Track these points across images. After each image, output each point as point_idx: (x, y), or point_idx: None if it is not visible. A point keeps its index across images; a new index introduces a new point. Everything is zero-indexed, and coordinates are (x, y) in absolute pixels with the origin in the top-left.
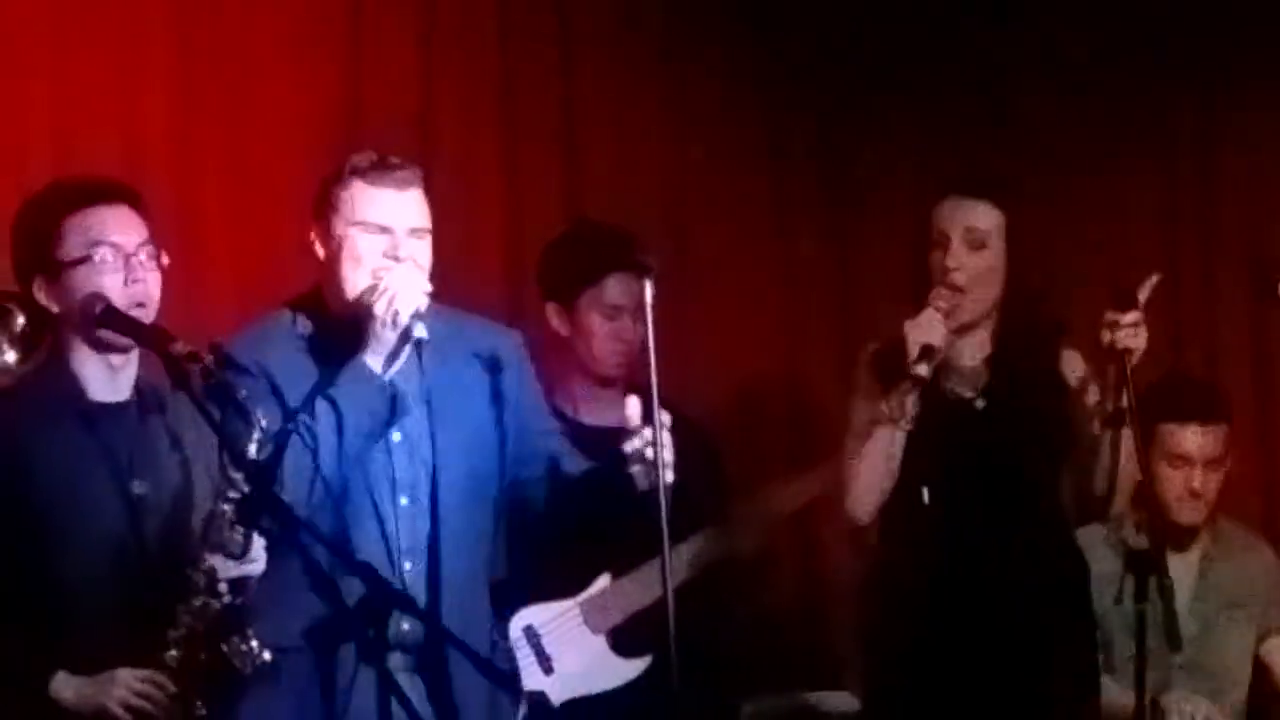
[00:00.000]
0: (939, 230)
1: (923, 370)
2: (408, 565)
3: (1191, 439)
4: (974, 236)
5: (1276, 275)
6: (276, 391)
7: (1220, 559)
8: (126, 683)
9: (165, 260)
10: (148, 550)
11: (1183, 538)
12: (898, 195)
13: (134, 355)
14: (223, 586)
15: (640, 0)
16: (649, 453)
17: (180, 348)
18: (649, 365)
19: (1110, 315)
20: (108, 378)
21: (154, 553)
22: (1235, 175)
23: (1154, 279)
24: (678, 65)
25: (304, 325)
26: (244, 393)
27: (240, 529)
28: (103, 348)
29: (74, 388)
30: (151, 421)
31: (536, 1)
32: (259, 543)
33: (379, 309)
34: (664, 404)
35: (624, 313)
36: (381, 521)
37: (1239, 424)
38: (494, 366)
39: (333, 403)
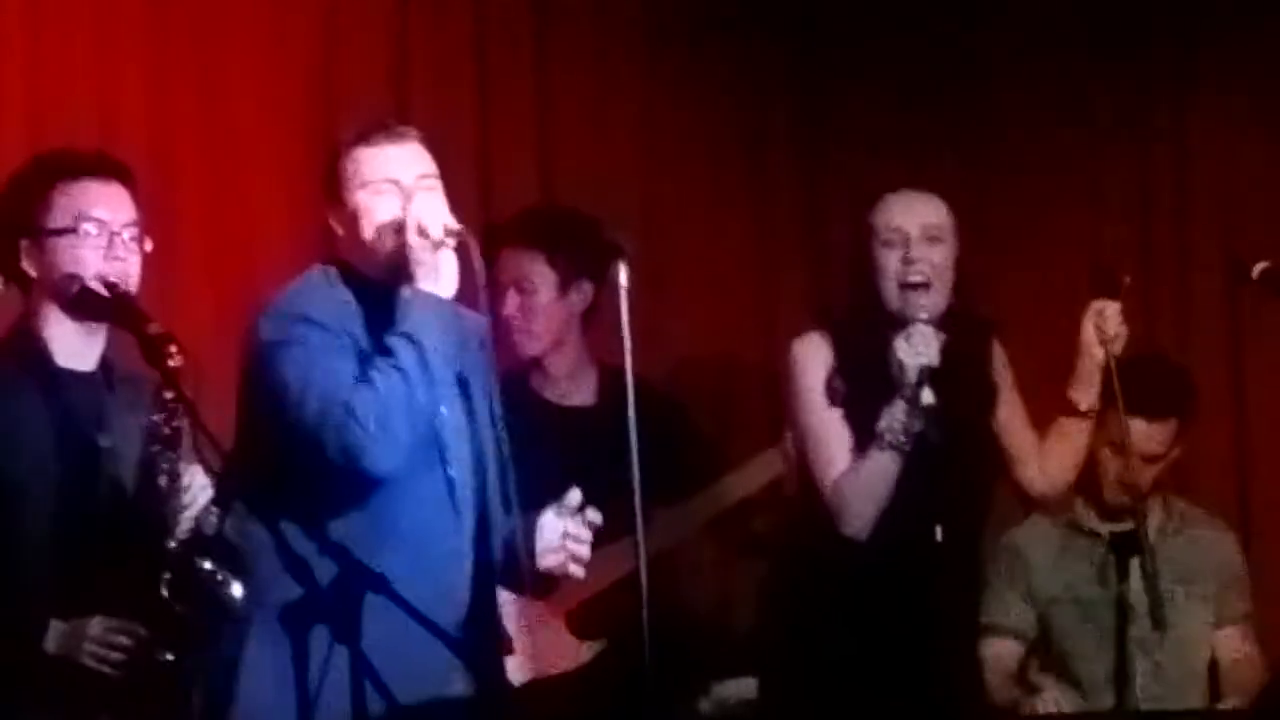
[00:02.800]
0: (891, 227)
1: (928, 397)
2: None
3: (1135, 431)
4: (931, 232)
5: (1251, 261)
6: (353, 340)
7: (1171, 535)
8: (96, 635)
9: (149, 245)
10: (120, 498)
11: (1117, 514)
12: (873, 178)
13: (103, 329)
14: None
15: None
16: (571, 547)
17: (154, 329)
18: (624, 346)
19: (1096, 304)
20: (76, 347)
21: (126, 500)
22: (1209, 161)
23: (1128, 280)
24: (653, 46)
25: (339, 283)
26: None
27: (215, 508)
28: (79, 316)
29: (41, 354)
30: (117, 389)
31: None
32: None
33: (410, 236)
34: (637, 381)
35: (507, 288)
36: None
37: (1213, 410)
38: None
39: (408, 337)
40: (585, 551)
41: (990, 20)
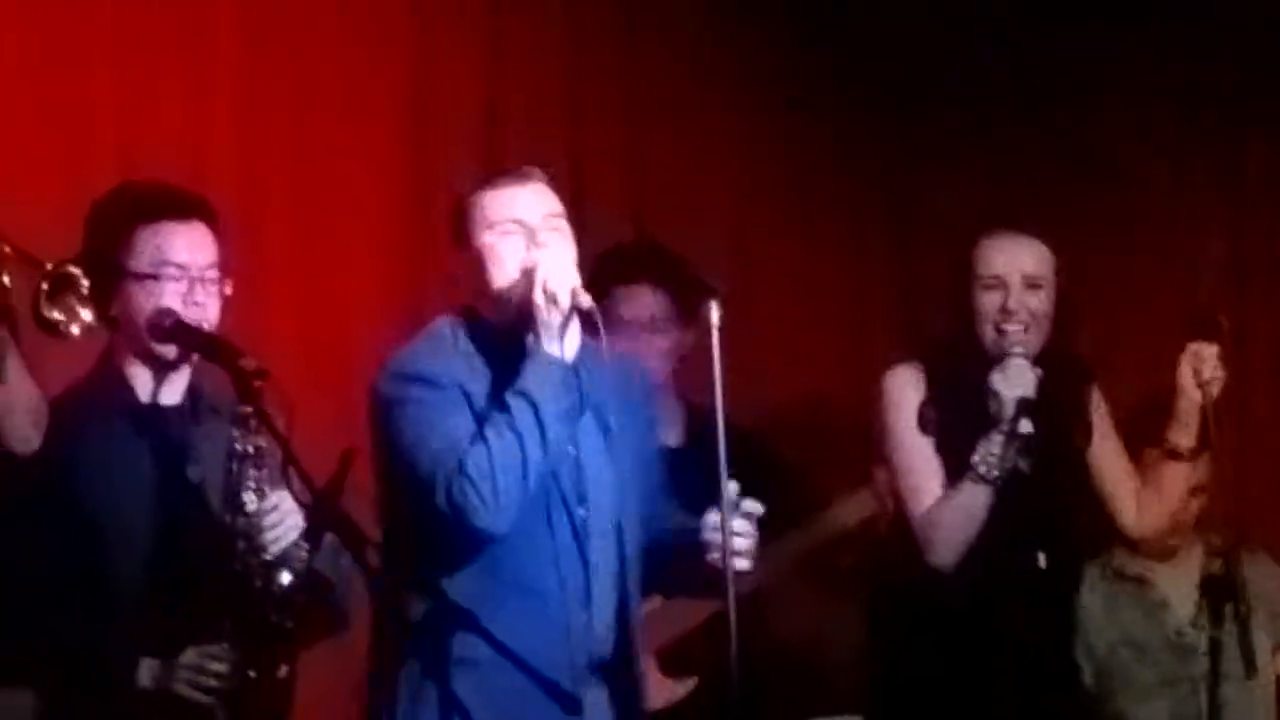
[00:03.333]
0: (992, 274)
1: (1026, 427)
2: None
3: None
4: (1032, 280)
5: None
6: (467, 397)
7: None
8: (191, 663)
9: (229, 288)
10: (210, 529)
11: (1171, 553)
12: (966, 216)
13: (187, 366)
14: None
15: (709, 19)
16: (735, 543)
17: (248, 363)
18: (715, 384)
19: (1194, 346)
20: (161, 383)
21: (215, 529)
22: (1265, 174)
23: (1225, 323)
24: (746, 83)
25: (464, 338)
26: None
27: (305, 545)
28: (155, 362)
29: (127, 391)
30: (205, 421)
31: (603, 16)
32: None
33: (536, 294)
34: (726, 421)
35: (635, 327)
36: (554, 529)
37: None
38: (648, 402)
39: (525, 396)
40: (746, 544)
41: (1088, 60)
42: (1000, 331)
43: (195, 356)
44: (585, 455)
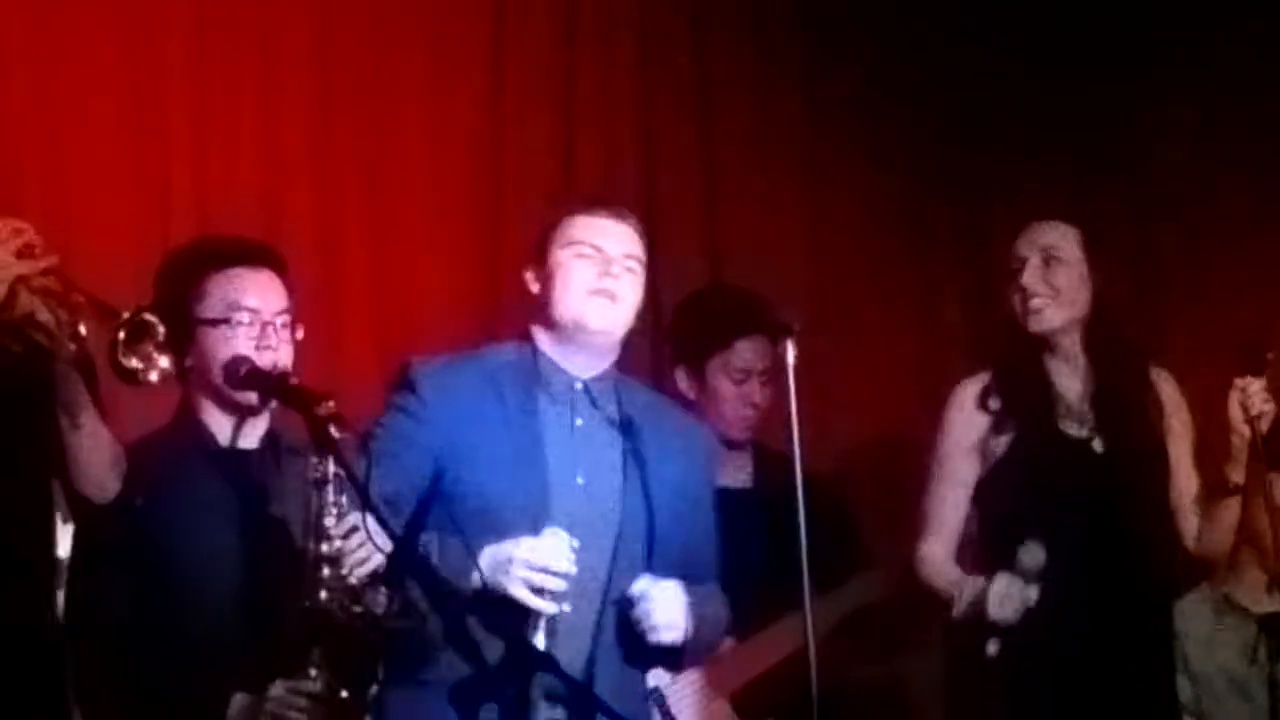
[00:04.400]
0: (1018, 255)
1: (993, 649)
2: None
3: None
4: (1050, 252)
5: None
6: (439, 424)
7: None
8: (279, 696)
9: (300, 333)
10: (295, 563)
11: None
12: None
13: (265, 410)
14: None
15: (781, 61)
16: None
17: (325, 409)
18: (790, 425)
19: (1240, 381)
20: (238, 428)
21: (299, 565)
22: None
23: (1272, 356)
24: (818, 125)
25: (509, 353)
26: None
27: (384, 589)
28: (232, 408)
29: (205, 436)
30: (285, 463)
31: (677, 57)
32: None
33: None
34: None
35: (752, 377)
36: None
37: None
38: (697, 485)
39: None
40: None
41: (1160, 102)
42: (1025, 307)
43: (273, 403)
44: (592, 488)
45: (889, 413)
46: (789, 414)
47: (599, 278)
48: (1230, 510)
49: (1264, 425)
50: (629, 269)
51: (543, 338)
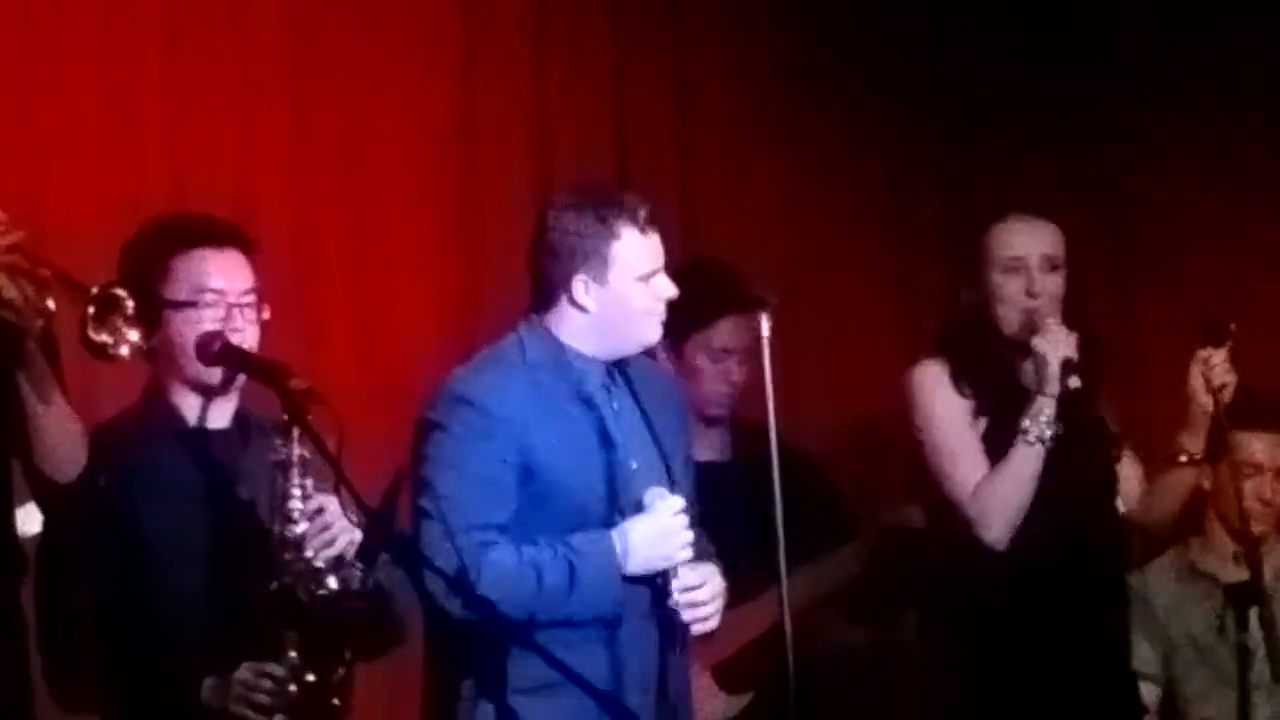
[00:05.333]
0: (1013, 255)
1: (1076, 382)
2: None
3: (1262, 447)
4: (1051, 260)
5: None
6: (511, 429)
7: None
8: (244, 679)
9: (266, 314)
10: (262, 545)
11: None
12: None
13: (232, 391)
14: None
15: (757, 45)
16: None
17: (298, 384)
18: (765, 399)
19: (1202, 353)
20: (206, 408)
21: (266, 548)
22: None
23: (1234, 328)
24: (794, 101)
25: (534, 348)
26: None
27: (359, 565)
28: (200, 388)
29: (173, 417)
30: (253, 443)
31: (651, 37)
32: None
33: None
34: (779, 438)
35: (732, 355)
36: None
37: None
38: (685, 430)
39: (570, 560)
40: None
41: (1139, 76)
42: (1025, 312)
43: (240, 381)
44: (642, 469)
45: (867, 385)
46: (765, 387)
47: (656, 301)
48: (1180, 480)
49: (1226, 396)
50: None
51: (566, 329)
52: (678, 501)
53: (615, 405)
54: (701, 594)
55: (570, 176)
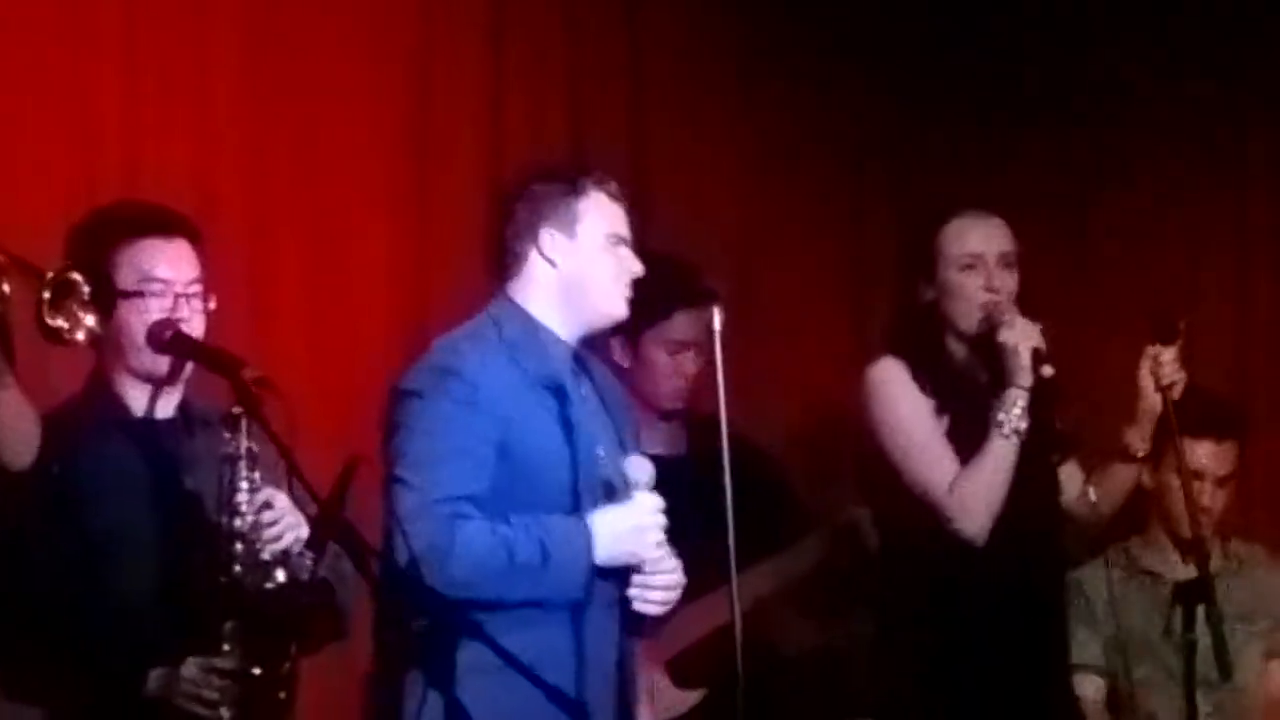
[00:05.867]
0: (970, 253)
1: (1049, 370)
2: None
3: (1204, 454)
4: (1007, 258)
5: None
6: (494, 404)
7: (1229, 575)
8: (191, 675)
9: (213, 304)
10: (208, 538)
11: (1189, 549)
12: None
13: (179, 381)
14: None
15: (712, 33)
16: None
17: (250, 373)
18: (717, 391)
19: (1153, 350)
20: (151, 399)
21: (213, 540)
22: None
23: (1184, 325)
24: (749, 95)
25: (509, 326)
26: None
27: (309, 554)
28: (146, 378)
29: (118, 407)
30: (198, 434)
31: (607, 29)
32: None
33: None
34: (731, 432)
35: (688, 348)
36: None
37: None
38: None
39: (543, 542)
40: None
41: (1087, 65)
42: (985, 308)
43: (187, 372)
44: (607, 457)
45: (822, 379)
46: (716, 379)
47: (623, 272)
48: (1124, 475)
49: (1175, 394)
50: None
51: (535, 299)
52: (657, 500)
53: (583, 390)
54: (655, 580)
55: (524, 163)
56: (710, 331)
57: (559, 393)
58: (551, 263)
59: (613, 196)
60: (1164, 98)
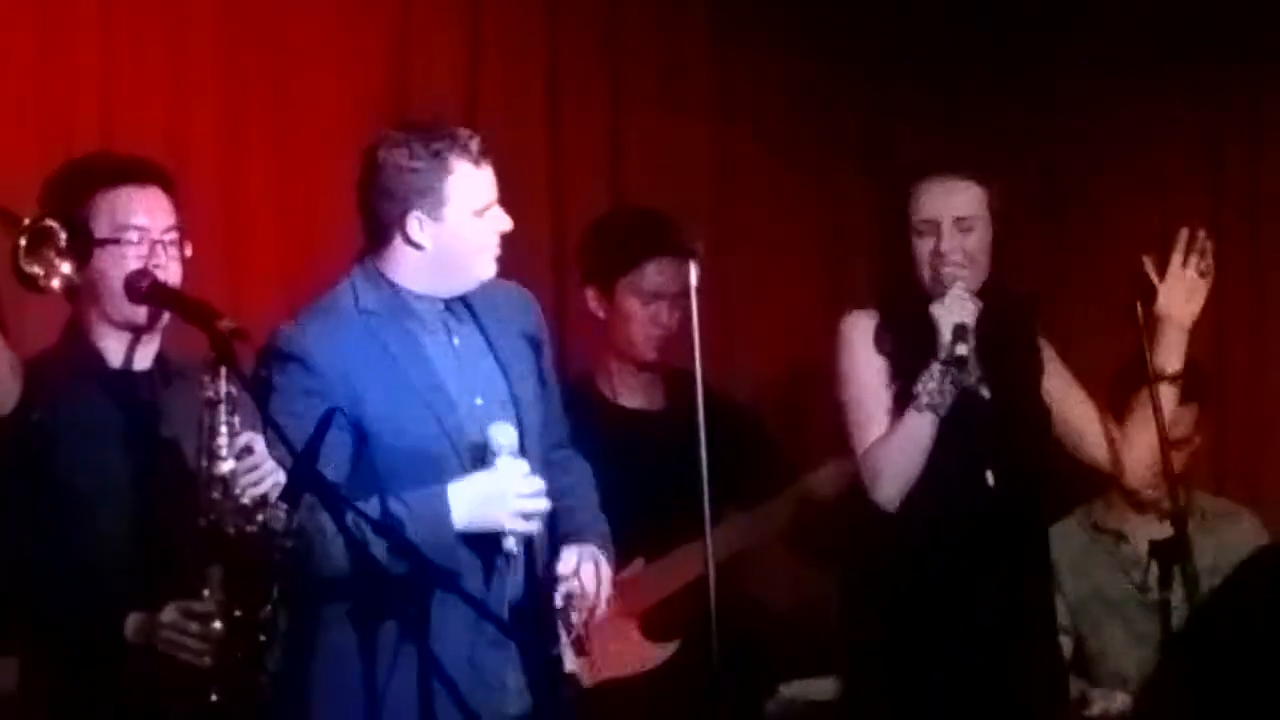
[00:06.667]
0: (925, 219)
1: (963, 350)
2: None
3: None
4: (964, 222)
5: None
6: (341, 384)
7: (1198, 530)
8: (170, 620)
9: (189, 250)
10: (187, 484)
11: (1153, 510)
12: None
13: (156, 331)
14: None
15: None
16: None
17: (226, 324)
18: (693, 347)
19: (1179, 269)
20: (128, 350)
21: (192, 486)
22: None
23: (1184, 234)
24: (724, 48)
25: (367, 296)
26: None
27: (283, 505)
28: (124, 327)
29: (95, 358)
30: (174, 384)
31: None
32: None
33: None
34: (707, 386)
35: (662, 298)
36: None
37: None
38: (537, 347)
39: (390, 527)
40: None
41: (1062, 23)
42: (936, 273)
43: (164, 322)
44: (488, 404)
45: (796, 335)
46: (690, 333)
47: (491, 235)
48: (1165, 405)
49: (1196, 310)
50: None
51: (401, 270)
52: (522, 465)
53: (456, 341)
54: (576, 586)
55: (500, 127)
56: (687, 286)
57: (421, 350)
58: (418, 246)
59: (479, 160)
60: (1140, 68)
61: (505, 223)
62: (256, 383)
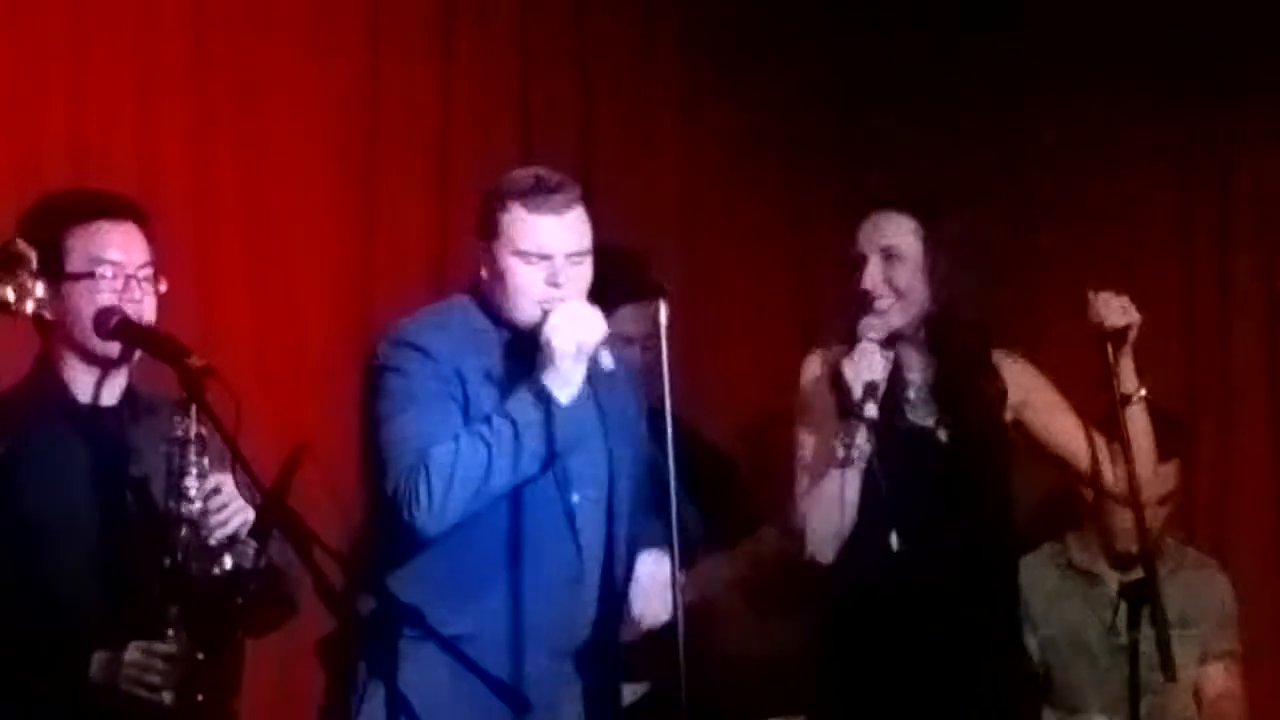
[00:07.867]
0: (857, 252)
1: (870, 410)
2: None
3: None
4: (890, 250)
5: None
6: (463, 379)
7: (1167, 578)
8: (135, 660)
9: (163, 286)
10: (154, 524)
11: (1126, 561)
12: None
13: (125, 366)
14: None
15: (658, 25)
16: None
17: (195, 361)
18: (663, 387)
19: (1103, 295)
20: (97, 385)
21: (159, 525)
22: (1252, 189)
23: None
24: (694, 87)
25: (476, 314)
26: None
27: (253, 541)
28: (95, 362)
29: (63, 393)
30: (142, 421)
31: (556, 21)
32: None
33: (560, 343)
34: (680, 425)
35: (633, 342)
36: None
37: (1252, 444)
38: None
39: (513, 424)
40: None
41: (1029, 46)
42: (858, 312)
43: (135, 358)
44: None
45: (766, 369)
46: (662, 374)
47: (547, 285)
48: (1138, 422)
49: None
50: (575, 263)
51: (485, 300)
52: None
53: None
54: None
55: (472, 158)
56: (657, 326)
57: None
58: (482, 273)
59: (535, 210)
60: (1112, 87)
61: (550, 292)
62: (376, 374)
